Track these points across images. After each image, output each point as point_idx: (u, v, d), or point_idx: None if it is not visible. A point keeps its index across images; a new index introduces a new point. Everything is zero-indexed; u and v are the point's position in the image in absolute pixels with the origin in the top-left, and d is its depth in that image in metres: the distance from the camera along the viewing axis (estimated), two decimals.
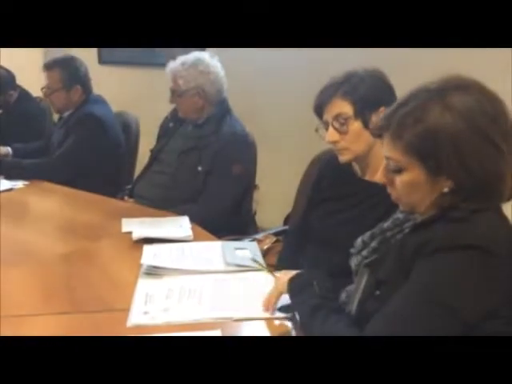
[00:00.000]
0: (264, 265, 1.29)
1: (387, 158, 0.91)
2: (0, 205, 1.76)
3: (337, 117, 1.29)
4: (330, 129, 1.30)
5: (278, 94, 2.86)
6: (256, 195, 2.25)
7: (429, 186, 0.88)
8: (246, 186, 1.97)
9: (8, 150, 2.26)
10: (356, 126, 1.28)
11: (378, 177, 0.95)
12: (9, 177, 2.01)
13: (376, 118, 1.24)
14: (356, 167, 1.37)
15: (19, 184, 1.97)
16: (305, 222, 1.50)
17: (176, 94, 1.93)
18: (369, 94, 1.27)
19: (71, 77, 2.24)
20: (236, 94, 2.09)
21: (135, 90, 3.54)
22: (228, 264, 1.28)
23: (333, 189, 1.40)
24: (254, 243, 1.43)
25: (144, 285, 1.19)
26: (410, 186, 0.89)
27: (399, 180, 0.90)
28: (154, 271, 1.25)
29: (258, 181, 2.19)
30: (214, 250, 1.36)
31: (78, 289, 1.19)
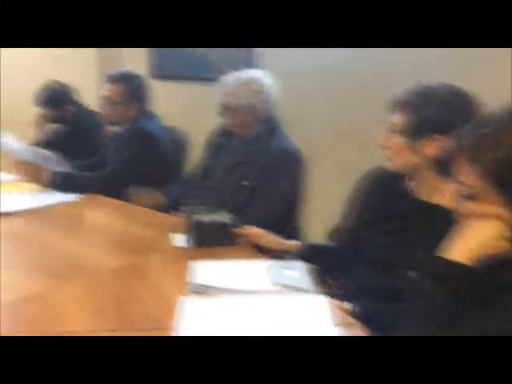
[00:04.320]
0: (312, 286, 1.24)
1: (459, 183, 0.84)
2: (55, 218, 1.80)
3: (391, 124, 1.26)
4: (385, 132, 1.28)
5: (325, 104, 2.82)
6: (304, 209, 2.21)
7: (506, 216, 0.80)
8: (292, 202, 1.93)
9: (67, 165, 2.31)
10: (400, 141, 1.25)
11: (447, 201, 0.90)
12: (64, 190, 2.04)
13: (428, 143, 1.21)
14: (411, 185, 1.32)
15: (74, 197, 2.00)
16: (353, 240, 1.45)
17: (226, 109, 1.93)
18: (429, 118, 1.21)
19: (132, 93, 2.25)
20: (281, 104, 2.06)
21: (185, 104, 3.58)
22: (275, 284, 1.24)
23: (386, 207, 1.34)
24: (302, 263, 1.39)
25: (188, 302, 1.17)
26: (484, 215, 0.82)
27: (471, 207, 0.83)
28: (201, 289, 1.23)
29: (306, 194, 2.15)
30: (261, 269, 1.33)
31: (128, 305, 1.18)
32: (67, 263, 1.42)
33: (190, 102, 3.51)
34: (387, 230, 1.30)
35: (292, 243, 1.57)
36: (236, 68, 2.01)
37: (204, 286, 1.24)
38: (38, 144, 2.78)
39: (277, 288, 1.23)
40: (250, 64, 2.98)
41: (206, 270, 1.32)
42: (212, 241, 1.51)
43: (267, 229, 1.79)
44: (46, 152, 2.24)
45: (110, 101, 2.24)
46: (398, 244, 1.23)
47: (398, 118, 1.25)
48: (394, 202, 1.33)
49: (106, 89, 2.25)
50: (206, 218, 1.54)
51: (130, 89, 2.24)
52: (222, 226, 1.55)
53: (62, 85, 2.78)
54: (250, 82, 1.89)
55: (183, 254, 1.47)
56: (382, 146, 1.29)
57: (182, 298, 1.19)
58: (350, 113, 2.81)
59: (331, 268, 1.52)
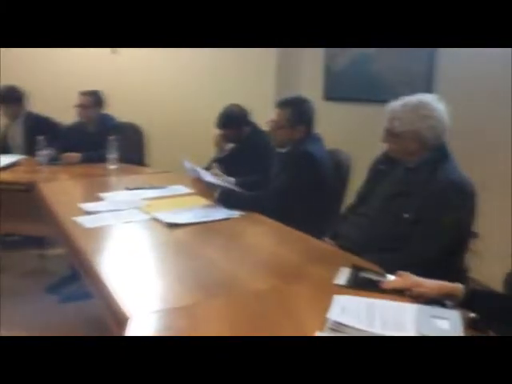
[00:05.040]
0: None
1: None
2: (215, 233, 1.90)
3: None
4: None
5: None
6: (475, 245, 1.97)
7: None
8: (459, 240, 1.73)
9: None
10: None
11: None
12: (228, 206, 2.15)
13: None
14: None
15: (235, 214, 2.08)
16: None
17: (390, 133, 1.83)
18: None
19: (298, 117, 2.31)
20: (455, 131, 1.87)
21: (357, 126, 3.53)
22: (420, 334, 1.11)
23: None
24: (457, 313, 1.22)
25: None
26: None
27: None
28: (338, 328, 1.16)
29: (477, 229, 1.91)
30: (407, 314, 1.20)
31: (264, 330, 1.17)
32: (217, 279, 1.48)
33: (363, 124, 3.44)
34: None
35: (454, 286, 1.35)
36: (414, 90, 1.91)
37: (342, 324, 1.17)
38: (216, 162, 3.01)
39: None
40: (428, 86, 2.81)
41: (348, 307, 1.25)
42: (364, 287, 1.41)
43: (428, 268, 1.63)
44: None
45: (277, 124, 2.32)
46: None
47: None
48: None
49: (275, 113, 2.33)
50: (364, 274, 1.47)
51: (297, 113, 2.29)
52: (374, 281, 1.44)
53: (239, 107, 2.96)
54: (417, 107, 1.77)
55: (330, 286, 1.41)
56: None
57: (318, 333, 1.14)
58: None
59: (497, 320, 1.30)
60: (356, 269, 1.50)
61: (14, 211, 2.84)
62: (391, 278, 1.43)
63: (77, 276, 2.67)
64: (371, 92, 3.34)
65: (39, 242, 3.51)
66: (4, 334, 2.56)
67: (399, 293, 1.35)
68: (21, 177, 2.89)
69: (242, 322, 1.23)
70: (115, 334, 1.24)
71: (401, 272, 1.40)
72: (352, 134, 3.39)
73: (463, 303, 1.29)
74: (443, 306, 1.28)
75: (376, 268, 1.52)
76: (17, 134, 3.64)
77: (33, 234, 3.17)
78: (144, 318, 1.23)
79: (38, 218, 2.46)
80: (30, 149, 3.31)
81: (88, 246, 1.72)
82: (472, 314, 1.32)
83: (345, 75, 3.61)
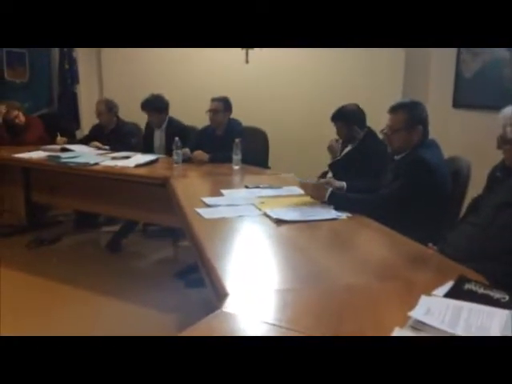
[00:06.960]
0: None
1: None
2: (319, 230, 1.97)
3: None
4: None
5: None
6: None
7: None
8: None
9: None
10: None
11: None
12: (336, 208, 2.19)
13: None
14: None
15: (343, 215, 2.11)
16: None
17: (503, 140, 1.74)
18: None
19: (414, 118, 2.28)
20: None
21: (486, 135, 3.32)
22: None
23: None
24: None
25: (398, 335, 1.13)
26: None
27: None
28: (419, 327, 1.16)
29: None
30: (495, 319, 1.15)
31: (345, 319, 1.22)
32: (313, 271, 1.55)
33: (490, 132, 3.23)
34: None
35: None
36: None
37: (424, 323, 1.16)
38: (331, 167, 3.07)
39: None
40: None
41: (434, 308, 1.23)
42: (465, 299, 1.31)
43: None
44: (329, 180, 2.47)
45: (391, 129, 2.31)
46: None
47: None
48: None
49: (388, 119, 2.32)
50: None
51: (412, 114, 2.26)
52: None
53: (357, 107, 2.98)
54: None
55: (422, 288, 1.39)
56: None
57: (397, 329, 1.16)
58: None
59: None
60: (461, 280, 1.44)
61: (152, 203, 3.22)
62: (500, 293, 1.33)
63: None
64: (503, 99, 3.11)
65: (174, 233, 3.89)
66: (138, 310, 2.91)
67: None
68: (157, 173, 3.26)
69: (327, 309, 1.28)
70: (216, 308, 1.35)
71: None
72: (481, 143, 3.20)
73: None
74: None
75: (484, 281, 1.44)
76: (159, 137, 4.09)
77: (167, 225, 3.54)
78: (240, 295, 1.35)
79: (172, 211, 2.73)
80: (168, 150, 3.70)
81: (203, 233, 1.91)
82: None
83: (476, 81, 3.42)
